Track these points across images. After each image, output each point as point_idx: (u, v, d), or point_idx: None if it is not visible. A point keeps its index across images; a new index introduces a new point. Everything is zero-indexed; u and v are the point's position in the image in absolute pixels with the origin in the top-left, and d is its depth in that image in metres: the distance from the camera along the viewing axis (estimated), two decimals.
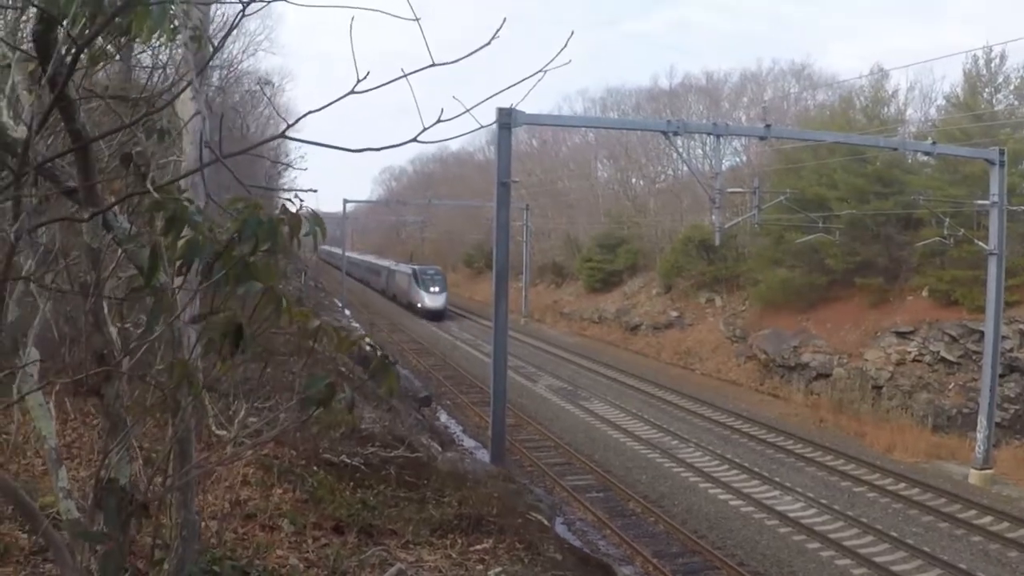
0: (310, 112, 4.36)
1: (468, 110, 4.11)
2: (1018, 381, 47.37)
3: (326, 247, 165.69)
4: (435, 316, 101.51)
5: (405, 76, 4.08)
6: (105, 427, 6.08)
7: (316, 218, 4.84)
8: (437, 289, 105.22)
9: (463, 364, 67.89)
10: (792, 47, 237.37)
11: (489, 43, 4.15)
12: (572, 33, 4.16)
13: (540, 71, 4.21)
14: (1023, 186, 51.59)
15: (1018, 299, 48.64)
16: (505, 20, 4.03)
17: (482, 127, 4.28)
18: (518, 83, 4.21)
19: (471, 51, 4.12)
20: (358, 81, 4.06)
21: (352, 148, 4.55)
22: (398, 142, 4.50)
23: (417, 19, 4.15)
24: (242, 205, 4.46)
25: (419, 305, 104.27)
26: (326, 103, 4.36)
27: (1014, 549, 30.10)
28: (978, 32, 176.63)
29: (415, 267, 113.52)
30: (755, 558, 29.44)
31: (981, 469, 38.96)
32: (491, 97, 4.21)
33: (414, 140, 4.29)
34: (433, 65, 4.07)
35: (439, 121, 4.08)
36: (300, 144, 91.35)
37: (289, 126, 4.55)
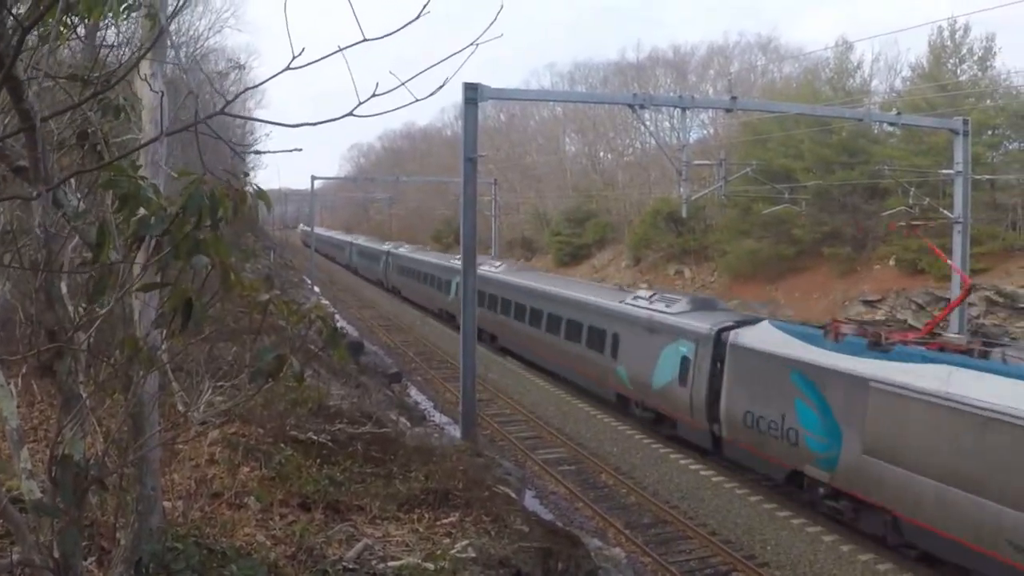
0: (247, 89, 4.53)
1: (403, 83, 4.18)
2: None
3: (345, 237, 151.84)
4: None
5: (340, 51, 4.15)
6: (59, 403, 6.13)
7: (261, 193, 4.91)
8: None
9: (432, 340, 67.85)
10: (761, 19, 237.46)
11: (417, 18, 4.22)
12: (502, 7, 4.21)
13: (472, 43, 4.29)
14: (987, 156, 52.12)
15: (984, 267, 49.03)
16: None
17: (417, 100, 4.34)
18: (450, 56, 4.28)
19: (398, 28, 4.21)
20: (293, 58, 4.13)
21: (288, 123, 4.64)
22: (334, 117, 4.57)
23: None
24: (188, 180, 4.52)
25: None
26: (261, 81, 4.50)
27: None
28: (943, 4, 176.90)
29: None
30: (727, 527, 29.58)
31: None
32: (424, 71, 4.27)
33: (350, 115, 4.36)
34: (364, 40, 4.13)
35: (374, 95, 4.15)
36: (264, 123, 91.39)
37: (228, 103, 4.60)
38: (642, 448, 38.15)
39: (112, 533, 8.48)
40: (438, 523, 14.11)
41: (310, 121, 4.47)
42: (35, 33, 5.45)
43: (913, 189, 44.56)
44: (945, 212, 41.38)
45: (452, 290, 65.24)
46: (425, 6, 4.15)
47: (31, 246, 6.13)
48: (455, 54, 4.25)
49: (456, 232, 79.84)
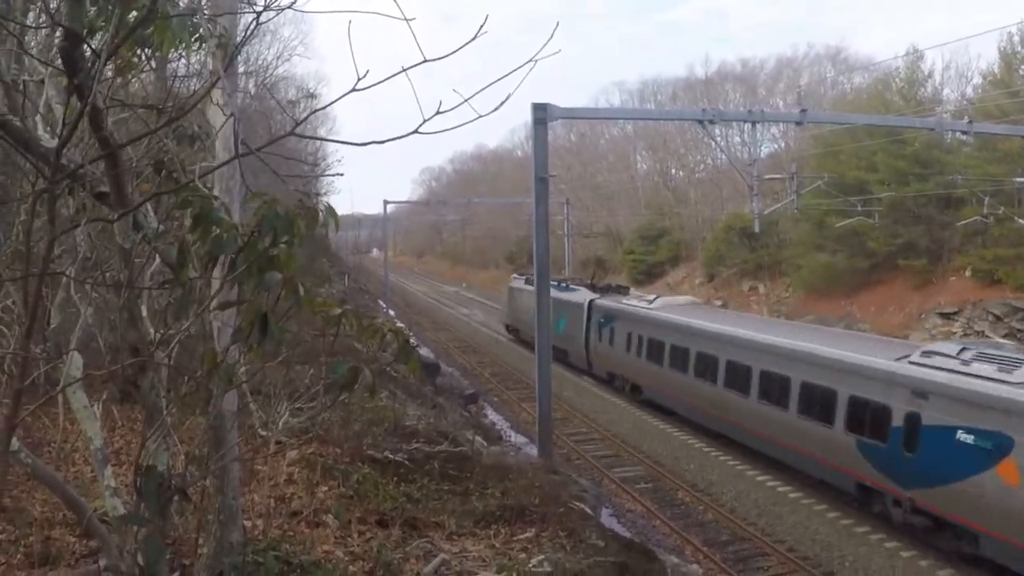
0: (315, 111, 4.64)
1: (466, 100, 4.32)
2: None
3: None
4: None
5: (404, 71, 4.30)
6: (143, 417, 6.34)
7: (330, 211, 5.07)
8: None
9: (508, 360, 67.76)
10: (828, 31, 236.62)
11: (474, 39, 4.36)
12: (558, 24, 4.37)
13: (530, 60, 4.43)
14: None
15: None
16: (488, 17, 4.26)
17: (480, 116, 4.48)
18: (508, 74, 4.42)
19: (458, 47, 4.35)
20: (359, 79, 4.28)
21: (356, 142, 4.80)
22: (401, 134, 4.69)
23: (409, 20, 4.37)
24: (260, 201, 4.68)
25: None
26: (328, 103, 4.67)
27: None
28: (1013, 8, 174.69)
29: None
30: (804, 543, 29.34)
31: None
32: (486, 87, 4.42)
33: (415, 132, 4.49)
34: (425, 61, 4.30)
35: (438, 112, 4.30)
36: (337, 146, 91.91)
37: (297, 124, 4.79)
38: (719, 465, 37.94)
39: (193, 550, 8.69)
40: (514, 538, 14.22)
41: (378, 139, 4.64)
42: (111, 65, 5.68)
43: (988, 198, 44.03)
44: (1020, 220, 40.94)
45: None
46: (481, 26, 4.30)
47: (113, 269, 6.35)
48: (514, 71, 4.40)
49: (529, 253, 79.13)
